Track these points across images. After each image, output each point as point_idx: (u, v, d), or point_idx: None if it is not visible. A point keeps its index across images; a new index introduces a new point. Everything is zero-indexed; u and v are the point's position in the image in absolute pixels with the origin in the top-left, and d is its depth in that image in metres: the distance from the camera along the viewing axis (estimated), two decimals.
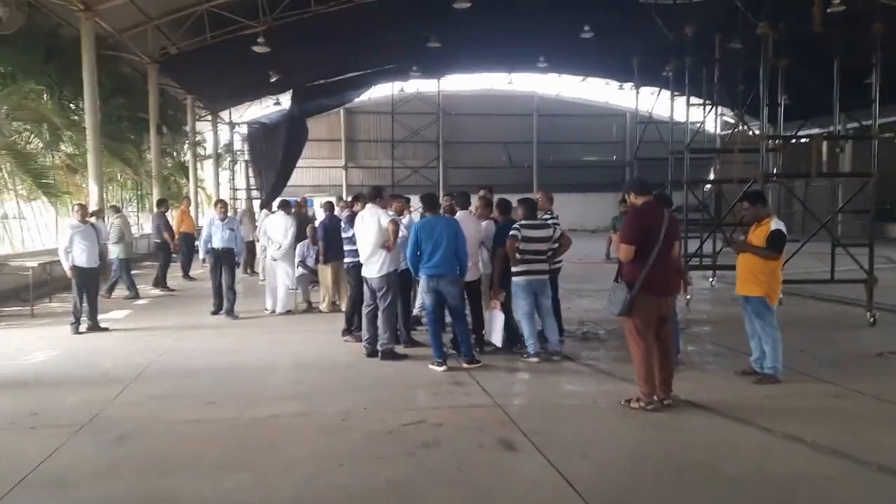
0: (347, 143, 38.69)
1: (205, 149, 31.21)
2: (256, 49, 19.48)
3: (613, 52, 26.14)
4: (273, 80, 24.85)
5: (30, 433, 5.26)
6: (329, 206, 10.33)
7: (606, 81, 38.60)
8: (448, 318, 7.67)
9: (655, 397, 5.63)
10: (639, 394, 5.68)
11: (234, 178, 34.74)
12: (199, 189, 30.73)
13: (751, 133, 12.12)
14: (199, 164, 32.41)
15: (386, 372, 7.01)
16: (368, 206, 7.60)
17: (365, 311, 7.63)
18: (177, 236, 14.77)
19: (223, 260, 10.35)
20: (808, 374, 6.78)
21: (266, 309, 10.69)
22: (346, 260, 8.51)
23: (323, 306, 10.56)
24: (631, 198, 5.73)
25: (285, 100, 29.65)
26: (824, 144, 11.56)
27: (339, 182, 38.19)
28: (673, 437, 5.14)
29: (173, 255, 14.57)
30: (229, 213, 10.94)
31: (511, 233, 7.21)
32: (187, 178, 27.12)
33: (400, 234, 7.46)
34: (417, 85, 37.73)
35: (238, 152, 35.43)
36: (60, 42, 16.38)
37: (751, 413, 5.53)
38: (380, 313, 7.46)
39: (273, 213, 12.27)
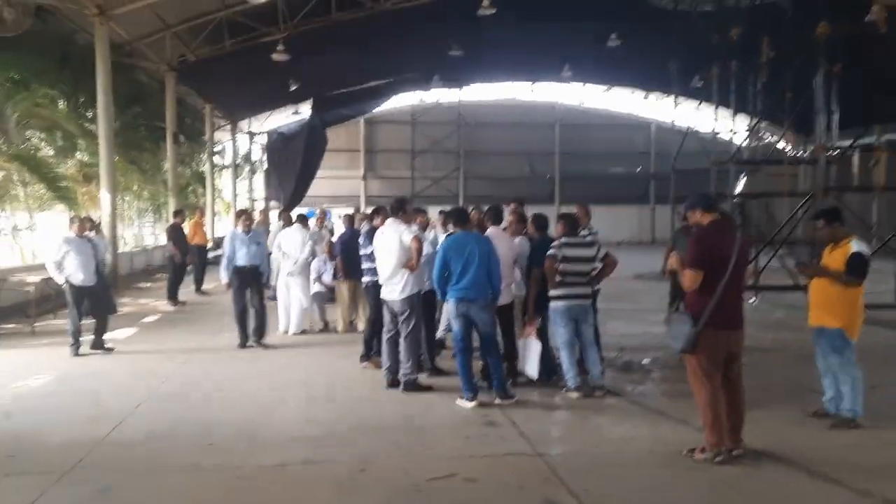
0: (367, 153, 38.09)
1: (223, 158, 30.89)
2: (276, 57, 18.95)
3: (642, 60, 25.43)
4: (292, 88, 24.37)
5: (1, 481, 4.58)
6: (349, 220, 9.65)
7: (632, 91, 37.76)
8: (476, 343, 6.90)
9: (724, 447, 4.83)
10: (704, 443, 4.89)
11: (252, 189, 34.45)
12: (218, 199, 30.45)
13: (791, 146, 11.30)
14: (217, 174, 32.19)
15: (409, 407, 6.27)
16: (389, 220, 6.89)
17: (385, 336, 6.90)
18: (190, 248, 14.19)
19: (249, 280, 8.88)
20: (892, 417, 5.93)
21: (279, 329, 10.01)
22: (365, 279, 7.80)
23: (340, 326, 9.86)
24: (695, 216, 4.96)
25: (305, 109, 29.25)
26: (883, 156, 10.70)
27: (357, 193, 37.59)
28: (749, 500, 4.34)
29: (188, 268, 13.99)
30: (253, 226, 9.38)
31: (550, 252, 6.46)
32: (205, 189, 26.73)
33: (424, 252, 6.75)
34: (438, 95, 37.12)
35: (257, 162, 35.21)
36: (76, 48, 15.96)
37: (836, 468, 4.72)
38: (402, 340, 6.73)
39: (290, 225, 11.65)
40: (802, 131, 12.02)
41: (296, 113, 31.34)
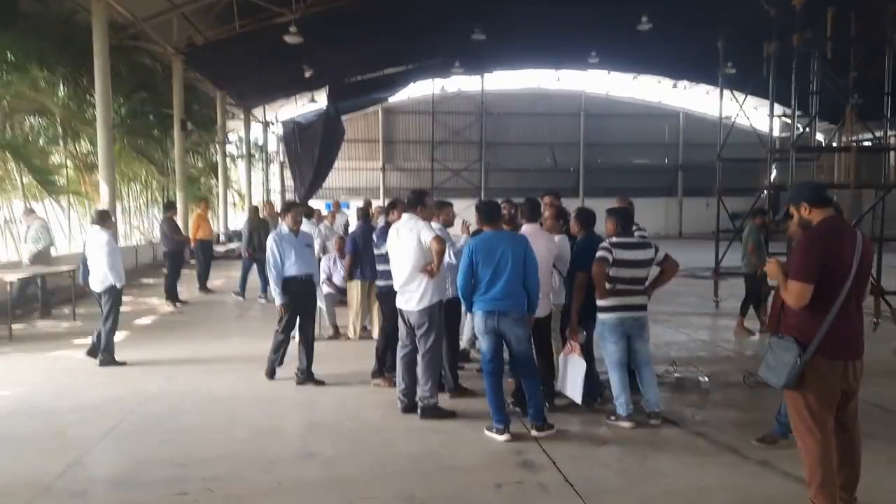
0: (385, 143, 37.09)
1: (238, 148, 30.03)
2: (288, 39, 17.90)
3: (672, 46, 24.09)
4: (307, 75, 23.36)
5: None
6: (363, 213, 8.54)
7: (659, 80, 36.34)
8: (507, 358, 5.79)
9: None
10: (809, 502, 3.77)
11: (268, 180, 33.56)
12: (231, 191, 29.61)
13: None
14: (231, 165, 31.35)
15: (428, 441, 5.20)
16: (405, 216, 5.81)
17: (400, 353, 5.84)
18: (193, 244, 13.23)
19: (305, 296, 6.86)
20: None
21: None
22: (379, 283, 6.73)
23: (351, 332, 8.81)
24: (802, 211, 3.81)
25: (321, 98, 28.31)
26: None
27: (375, 185, 36.63)
28: None
29: (190, 262, 13.05)
30: (290, 223, 6.83)
31: (600, 254, 5.35)
32: (218, 179, 25.88)
33: (446, 255, 5.68)
34: (459, 83, 36.00)
35: (274, 153, 34.32)
36: (78, 30, 15.02)
37: None
38: (419, 357, 5.66)
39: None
40: (837, 121, 10.78)
41: (312, 101, 30.39)
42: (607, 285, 5.36)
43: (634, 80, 37.14)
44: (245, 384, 6.83)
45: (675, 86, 35.91)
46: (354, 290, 8.50)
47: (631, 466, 4.81)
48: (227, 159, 29.24)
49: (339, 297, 9.36)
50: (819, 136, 24.00)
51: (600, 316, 5.49)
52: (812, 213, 3.78)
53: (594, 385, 5.94)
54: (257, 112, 31.24)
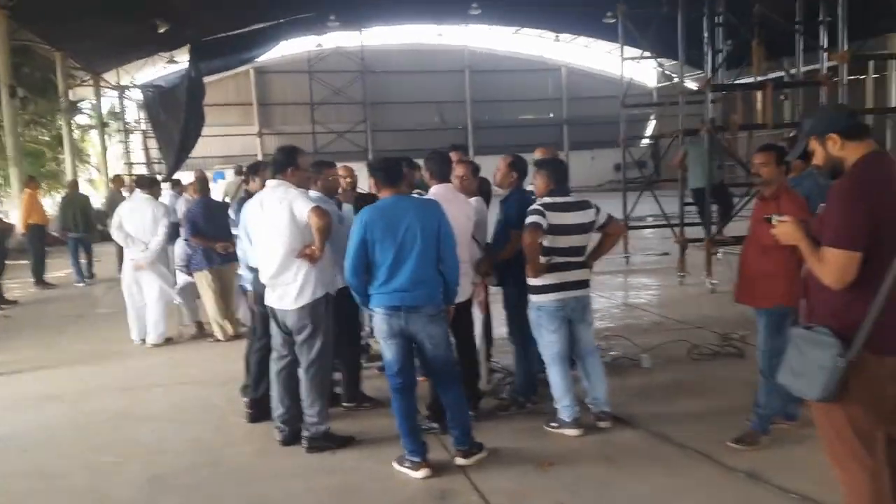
0: (260, 106, 34.52)
1: (92, 118, 26.78)
2: None
3: None
4: (161, 31, 20.67)
5: None
6: (201, 185, 6.97)
7: (540, 34, 35.75)
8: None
9: None
10: None
11: (128, 152, 30.38)
12: (85, 165, 26.46)
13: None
14: (85, 137, 28.06)
15: (318, 483, 3.85)
16: (272, 183, 4.33)
17: (275, 367, 4.39)
18: (24, 230, 11.01)
19: None
20: None
21: (132, 339, 7.29)
22: (241, 275, 5.16)
23: (218, 332, 7.20)
24: (831, 146, 2.66)
25: (182, 59, 25.56)
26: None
27: (253, 151, 33.99)
28: None
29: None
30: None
31: (531, 219, 4.10)
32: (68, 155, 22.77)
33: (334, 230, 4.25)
34: (337, 40, 33.74)
35: (135, 121, 31.12)
36: None
37: None
38: (302, 372, 4.25)
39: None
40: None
41: (171, 61, 27.48)
42: (541, 259, 4.13)
43: (516, 35, 36.37)
44: (77, 410, 5.22)
45: (557, 39, 35.49)
46: (203, 282, 6.89)
47: (589, 498, 3.65)
48: (78, 131, 26.06)
49: None
50: (691, 85, 24.14)
51: (534, 299, 4.28)
52: (846, 149, 2.65)
53: (529, 379, 4.76)
54: (110, 77, 27.89)
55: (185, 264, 7.32)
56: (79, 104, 25.43)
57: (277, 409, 4.37)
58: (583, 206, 4.31)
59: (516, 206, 4.55)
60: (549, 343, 4.29)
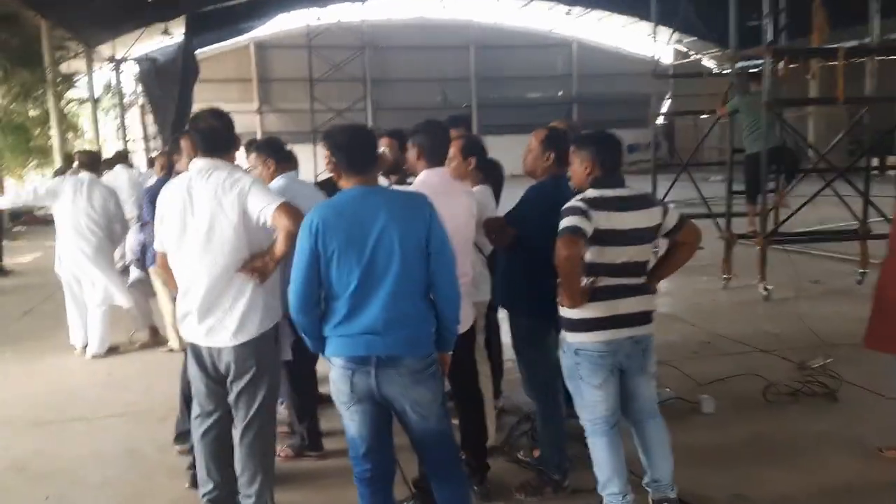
0: (260, 82, 33.42)
1: (90, 91, 25.62)
2: None
3: None
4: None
5: None
6: (164, 161, 5.70)
7: (550, 6, 34.12)
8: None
9: None
10: None
11: (123, 127, 29.24)
12: (79, 140, 25.33)
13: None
14: (75, 112, 26.92)
15: None
16: (202, 162, 3.06)
17: (199, 428, 3.16)
18: None
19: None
20: None
21: (74, 345, 6.12)
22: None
23: (174, 341, 5.99)
24: None
25: (177, 31, 24.33)
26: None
27: (253, 129, 32.85)
28: None
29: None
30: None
31: (567, 222, 2.85)
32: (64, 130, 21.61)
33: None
34: (337, 13, 32.27)
35: (132, 95, 29.95)
36: None
37: None
38: (238, 434, 3.04)
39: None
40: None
41: (165, 33, 26.36)
42: (584, 280, 2.88)
43: (525, 7, 34.76)
44: None
45: (568, 12, 33.87)
46: (159, 280, 5.67)
47: None
48: (71, 105, 24.87)
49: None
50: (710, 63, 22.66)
51: (571, 339, 3.05)
52: None
53: (559, 443, 3.48)
54: (105, 50, 26.70)
55: (139, 257, 6.09)
56: (73, 77, 24.36)
57: (205, 484, 3.16)
58: (644, 202, 3.05)
59: (540, 197, 3.28)
60: (591, 403, 3.06)
